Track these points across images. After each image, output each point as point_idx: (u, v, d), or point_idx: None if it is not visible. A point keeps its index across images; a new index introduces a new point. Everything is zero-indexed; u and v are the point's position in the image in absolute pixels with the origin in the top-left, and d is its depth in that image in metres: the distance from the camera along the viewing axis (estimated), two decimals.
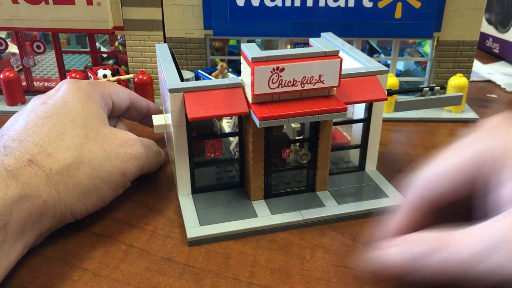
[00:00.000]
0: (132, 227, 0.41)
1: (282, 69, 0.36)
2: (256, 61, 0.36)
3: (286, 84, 0.37)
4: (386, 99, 0.42)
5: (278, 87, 0.37)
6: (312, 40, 0.41)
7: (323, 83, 0.38)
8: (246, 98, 0.39)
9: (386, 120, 0.58)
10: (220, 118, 0.49)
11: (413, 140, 0.57)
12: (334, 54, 0.37)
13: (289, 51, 0.37)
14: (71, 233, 0.40)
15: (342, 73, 0.41)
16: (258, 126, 0.37)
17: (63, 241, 0.39)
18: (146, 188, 0.46)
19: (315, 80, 0.37)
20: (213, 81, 0.42)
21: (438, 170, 0.33)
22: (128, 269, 0.36)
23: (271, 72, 0.36)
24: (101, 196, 0.40)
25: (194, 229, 0.39)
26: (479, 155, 0.31)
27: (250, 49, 0.37)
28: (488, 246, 0.27)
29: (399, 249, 0.31)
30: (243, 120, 0.41)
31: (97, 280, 0.35)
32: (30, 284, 0.35)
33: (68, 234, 0.40)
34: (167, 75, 0.42)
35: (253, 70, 0.36)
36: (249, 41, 0.62)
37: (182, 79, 0.42)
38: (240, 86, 0.39)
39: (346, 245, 0.39)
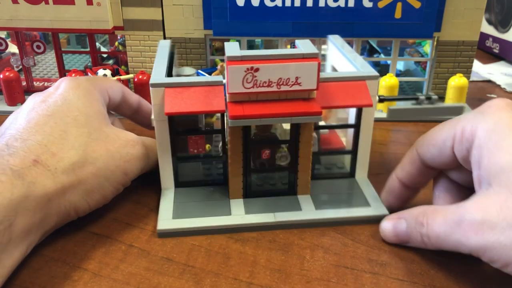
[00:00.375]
0: (132, 227, 0.41)
1: (257, 69, 0.36)
2: (231, 60, 0.36)
3: (261, 85, 0.37)
4: (370, 105, 0.41)
5: (253, 87, 0.37)
6: (297, 42, 0.41)
7: (300, 85, 0.37)
8: (225, 96, 0.39)
9: (386, 120, 0.58)
10: (210, 114, 0.49)
11: (413, 140, 0.56)
12: (313, 57, 0.37)
13: (267, 51, 0.37)
14: (71, 233, 0.40)
15: (328, 76, 0.41)
16: (230, 124, 0.37)
17: (63, 241, 0.39)
18: (146, 188, 0.46)
19: (292, 82, 0.37)
20: (195, 78, 0.42)
21: (429, 137, 0.39)
22: (128, 269, 0.36)
23: (245, 71, 0.36)
24: (103, 194, 0.40)
25: (165, 221, 0.40)
26: (454, 132, 0.36)
27: (229, 48, 0.37)
28: (451, 225, 0.32)
29: (389, 224, 0.38)
30: (225, 119, 0.41)
31: (97, 280, 0.35)
32: (31, 285, 0.35)
33: (68, 234, 0.40)
34: (155, 70, 0.42)
35: (227, 69, 0.36)
36: (249, 41, 0.62)
37: (170, 75, 0.42)
38: (221, 84, 0.39)
39: (346, 245, 0.39)
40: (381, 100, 0.45)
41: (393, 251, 0.38)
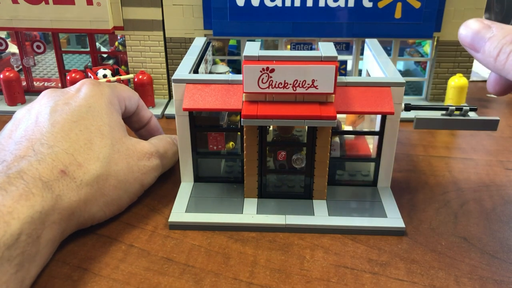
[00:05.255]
0: (132, 227, 0.41)
1: (272, 70, 0.36)
2: (247, 59, 0.36)
3: (277, 86, 0.37)
4: (392, 113, 0.39)
5: (268, 87, 0.37)
6: (320, 44, 0.40)
7: (317, 88, 0.37)
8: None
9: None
10: (235, 112, 0.48)
11: (413, 140, 0.57)
12: (331, 60, 0.36)
13: (285, 52, 0.37)
14: (71, 233, 0.40)
15: (352, 80, 0.40)
16: (241, 123, 0.38)
17: (63, 241, 0.39)
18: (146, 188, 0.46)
19: (308, 84, 0.36)
20: (216, 76, 0.42)
21: None
22: (128, 269, 0.36)
23: (261, 71, 0.36)
24: (120, 205, 0.41)
25: (178, 214, 0.41)
26: None
27: (249, 48, 0.37)
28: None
29: (476, 25, 0.33)
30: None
31: (97, 280, 0.35)
32: (31, 284, 0.35)
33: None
34: (181, 66, 0.43)
35: (243, 68, 0.36)
36: (249, 41, 0.62)
37: (196, 71, 0.43)
38: (241, 83, 0.39)
39: (346, 245, 0.39)
40: (408, 108, 0.43)
41: (393, 251, 0.38)
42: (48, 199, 0.34)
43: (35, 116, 0.40)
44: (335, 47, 0.38)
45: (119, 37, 0.73)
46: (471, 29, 0.33)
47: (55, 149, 0.37)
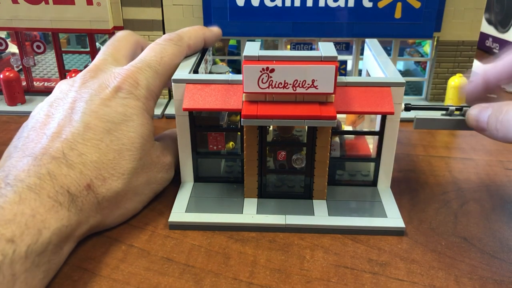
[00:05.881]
0: (132, 227, 0.41)
1: (272, 70, 0.36)
2: (247, 59, 0.36)
3: (276, 86, 0.37)
4: (392, 113, 0.39)
5: (268, 87, 0.37)
6: (319, 44, 0.41)
7: (317, 88, 0.37)
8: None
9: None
10: (235, 112, 0.48)
11: (413, 140, 0.57)
12: (330, 60, 0.36)
13: (285, 52, 0.37)
14: None
15: (351, 80, 0.40)
16: (241, 123, 0.38)
17: None
18: None
19: (308, 84, 0.36)
20: (216, 75, 0.43)
21: (500, 62, 0.44)
22: (128, 269, 0.36)
23: (261, 71, 0.36)
24: (132, 214, 0.42)
25: (178, 214, 0.41)
26: None
27: (248, 48, 0.37)
28: None
29: (476, 110, 0.40)
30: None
31: (97, 280, 0.35)
32: None
33: None
34: (181, 66, 0.43)
35: (243, 68, 0.36)
36: (249, 41, 0.62)
37: (196, 71, 0.44)
38: (241, 83, 0.39)
39: (346, 245, 0.39)
40: (408, 108, 0.43)
41: (393, 251, 0.38)
42: (73, 214, 0.35)
43: (70, 107, 0.39)
44: (335, 47, 0.38)
45: None
46: (474, 114, 0.39)
47: (84, 159, 0.36)
